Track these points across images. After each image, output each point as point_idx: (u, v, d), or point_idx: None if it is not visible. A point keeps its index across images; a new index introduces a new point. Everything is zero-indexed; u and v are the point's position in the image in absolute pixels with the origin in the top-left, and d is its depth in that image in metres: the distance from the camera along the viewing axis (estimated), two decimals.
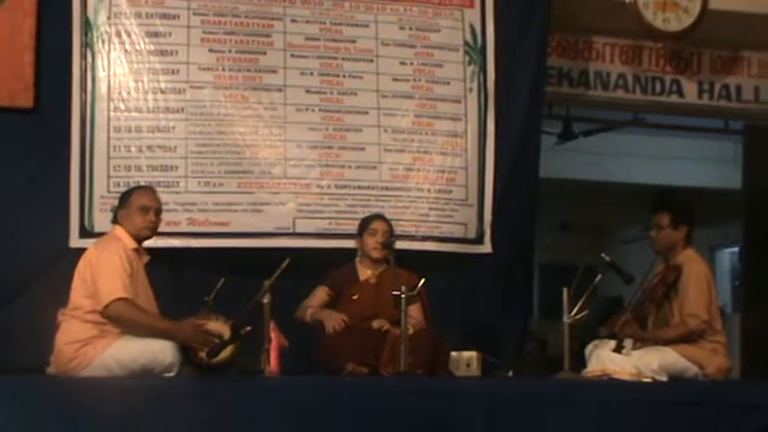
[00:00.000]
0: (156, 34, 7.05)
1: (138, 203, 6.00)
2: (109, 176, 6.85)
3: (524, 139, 7.74)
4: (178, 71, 7.06)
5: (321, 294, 6.71)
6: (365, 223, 6.82)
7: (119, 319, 5.69)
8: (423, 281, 6.41)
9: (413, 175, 7.38)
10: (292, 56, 7.26)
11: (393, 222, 6.98)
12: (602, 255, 6.81)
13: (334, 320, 6.43)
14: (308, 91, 7.27)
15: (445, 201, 7.41)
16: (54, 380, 5.71)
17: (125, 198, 6.04)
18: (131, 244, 5.96)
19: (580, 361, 6.66)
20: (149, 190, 6.17)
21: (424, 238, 7.35)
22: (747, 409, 6.08)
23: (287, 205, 7.14)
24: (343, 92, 7.33)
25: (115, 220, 6.04)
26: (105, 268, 5.74)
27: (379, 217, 6.88)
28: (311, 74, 7.29)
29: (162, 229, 6.66)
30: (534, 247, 8.01)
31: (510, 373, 6.78)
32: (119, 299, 5.66)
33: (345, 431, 5.53)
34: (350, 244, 6.85)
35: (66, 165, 6.85)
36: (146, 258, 6.06)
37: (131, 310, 5.70)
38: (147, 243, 6.12)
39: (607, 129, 10.63)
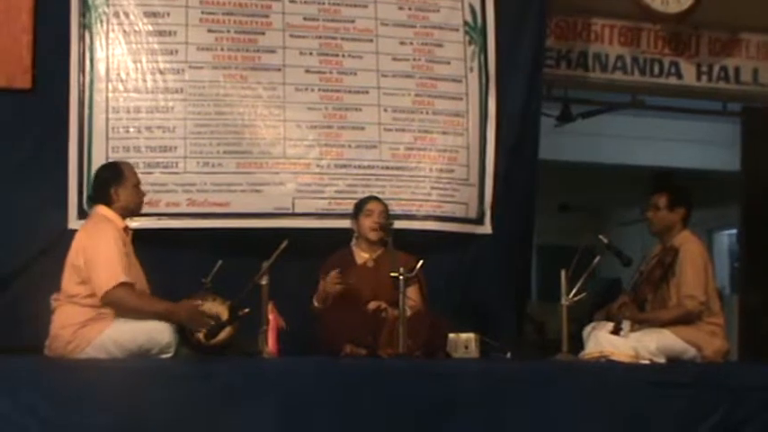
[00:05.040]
0: (154, 14, 7.03)
1: (134, 180, 6.04)
2: (108, 158, 6.81)
3: (524, 121, 7.74)
4: (177, 51, 7.04)
5: None
6: (360, 205, 6.82)
7: (119, 304, 5.71)
8: (420, 263, 6.41)
9: (414, 154, 7.38)
10: (291, 36, 7.24)
11: (393, 202, 7.01)
12: (601, 237, 6.81)
13: (329, 282, 6.43)
14: (307, 71, 7.25)
15: (447, 180, 7.40)
16: (53, 362, 5.71)
17: (118, 175, 6.01)
18: (121, 223, 5.95)
19: (578, 343, 6.68)
20: (131, 164, 6.19)
21: (425, 218, 7.35)
22: (746, 391, 6.09)
23: (286, 185, 7.13)
24: (343, 71, 7.31)
25: (100, 200, 6.01)
26: (102, 253, 5.73)
27: (374, 198, 6.89)
28: (310, 54, 7.27)
29: (161, 209, 6.74)
30: (533, 229, 8.01)
31: (508, 355, 6.78)
32: (118, 285, 5.66)
33: (343, 413, 5.53)
34: (349, 224, 6.85)
35: (64, 146, 6.83)
36: (130, 233, 6.05)
37: (130, 295, 5.72)
38: (146, 224, 6.13)
39: (605, 111, 10.61)
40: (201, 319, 5.80)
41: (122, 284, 5.69)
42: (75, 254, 5.82)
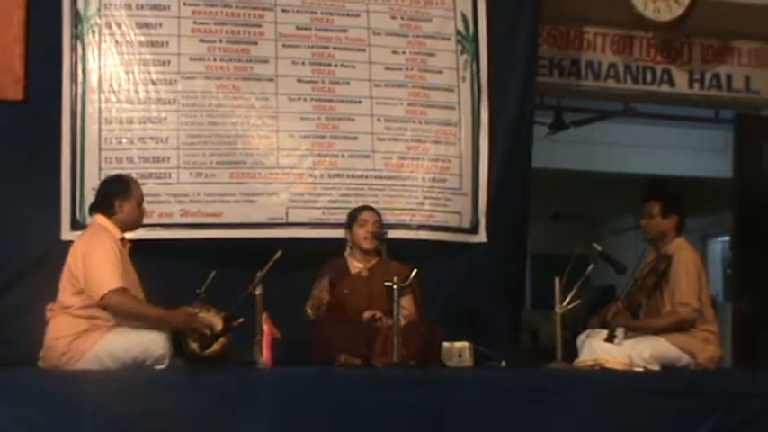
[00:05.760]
0: (146, 25, 7.02)
1: (138, 197, 6.07)
2: (100, 168, 6.82)
3: (517, 129, 7.74)
4: (169, 62, 7.03)
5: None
6: (354, 215, 6.82)
7: (115, 308, 5.71)
8: (415, 272, 6.42)
9: (406, 163, 7.37)
10: (284, 46, 7.24)
11: (387, 211, 7.01)
12: (594, 245, 6.82)
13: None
14: (299, 80, 7.24)
15: (439, 190, 7.40)
16: (47, 373, 5.70)
17: (125, 189, 6.03)
18: (118, 233, 5.97)
19: (572, 351, 6.68)
20: (139, 183, 6.21)
21: (419, 227, 7.34)
22: (739, 398, 6.12)
23: (279, 195, 7.12)
24: (335, 81, 7.31)
25: (102, 209, 6.02)
26: (98, 259, 5.74)
27: (368, 208, 6.88)
28: (303, 63, 7.27)
29: (154, 220, 6.71)
30: (527, 237, 8.01)
31: (502, 364, 6.78)
32: (115, 289, 5.66)
33: (338, 422, 5.54)
34: (343, 234, 6.85)
35: (57, 157, 6.82)
36: (128, 245, 6.06)
37: (127, 299, 5.72)
38: (139, 235, 6.14)
39: (598, 119, 10.63)
40: (199, 324, 5.80)
41: (118, 289, 5.69)
42: (74, 262, 5.82)
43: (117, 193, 6.02)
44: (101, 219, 6.01)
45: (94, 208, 6.10)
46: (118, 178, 6.21)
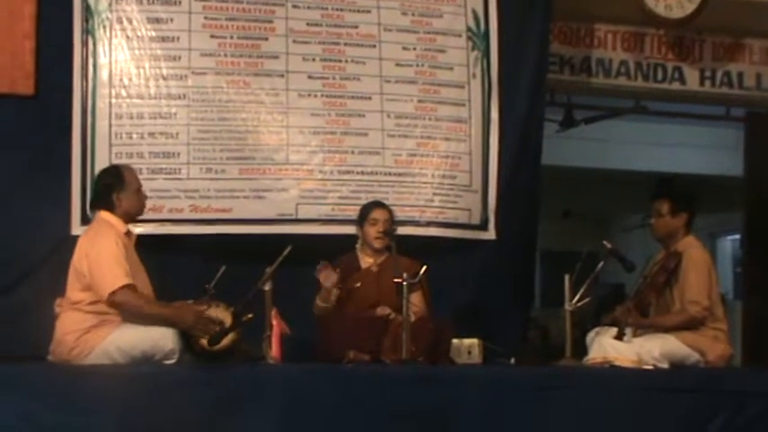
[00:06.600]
0: (157, 20, 7.02)
1: (135, 184, 6.04)
2: (111, 163, 6.82)
3: (527, 126, 7.73)
4: (180, 57, 7.04)
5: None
6: (366, 212, 6.80)
7: (124, 306, 5.70)
8: (424, 268, 6.41)
9: (416, 160, 7.36)
10: (294, 41, 7.24)
11: (396, 208, 6.99)
12: (604, 242, 6.82)
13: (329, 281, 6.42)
14: (310, 76, 7.25)
15: (449, 186, 7.40)
16: (56, 368, 5.71)
17: (120, 180, 5.99)
18: (122, 228, 5.95)
19: (581, 348, 6.68)
20: (132, 168, 6.19)
21: (428, 224, 7.34)
22: (748, 396, 6.10)
23: (289, 191, 7.13)
24: (346, 77, 7.30)
25: (102, 206, 6.01)
26: (105, 257, 5.72)
27: (380, 205, 6.86)
28: (313, 59, 7.27)
29: (164, 215, 6.72)
30: (537, 235, 8.00)
31: (512, 361, 6.78)
32: (123, 286, 5.66)
33: (346, 418, 5.53)
34: (353, 230, 6.84)
35: (67, 152, 6.83)
36: (134, 237, 6.06)
37: (135, 297, 5.72)
38: (149, 230, 6.13)
39: (609, 116, 10.63)
40: (207, 323, 5.80)
41: (126, 286, 5.69)
42: (79, 260, 5.83)
43: (112, 187, 5.98)
44: (104, 214, 5.99)
45: (94, 205, 6.10)
46: (110, 171, 6.17)
